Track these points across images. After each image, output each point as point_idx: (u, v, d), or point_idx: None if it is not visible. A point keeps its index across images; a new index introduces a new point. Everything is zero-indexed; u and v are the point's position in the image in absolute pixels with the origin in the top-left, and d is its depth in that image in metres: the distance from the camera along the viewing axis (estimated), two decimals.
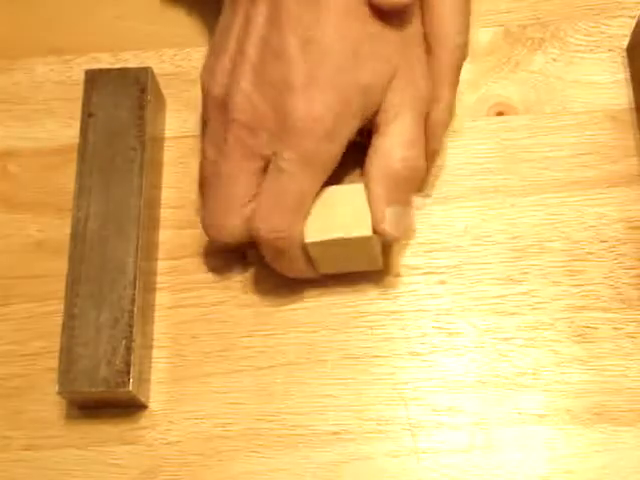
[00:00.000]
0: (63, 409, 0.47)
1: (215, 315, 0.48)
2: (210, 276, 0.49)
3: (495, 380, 0.46)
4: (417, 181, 0.46)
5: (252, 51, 0.44)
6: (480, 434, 0.45)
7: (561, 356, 0.46)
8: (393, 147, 0.45)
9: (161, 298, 0.49)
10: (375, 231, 0.44)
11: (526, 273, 0.48)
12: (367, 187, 0.44)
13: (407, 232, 0.47)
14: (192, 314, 0.48)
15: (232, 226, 0.45)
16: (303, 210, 0.44)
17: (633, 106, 0.51)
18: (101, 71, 0.50)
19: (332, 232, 0.44)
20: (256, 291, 0.49)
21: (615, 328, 0.47)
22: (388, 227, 0.44)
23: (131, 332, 0.45)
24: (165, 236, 0.50)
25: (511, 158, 0.51)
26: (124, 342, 0.45)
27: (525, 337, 0.47)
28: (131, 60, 0.54)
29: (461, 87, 0.52)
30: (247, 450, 0.45)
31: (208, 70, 0.46)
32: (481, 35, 0.53)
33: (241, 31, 0.45)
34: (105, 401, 0.46)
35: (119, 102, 0.49)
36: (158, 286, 0.49)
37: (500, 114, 0.52)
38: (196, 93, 0.48)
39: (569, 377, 0.46)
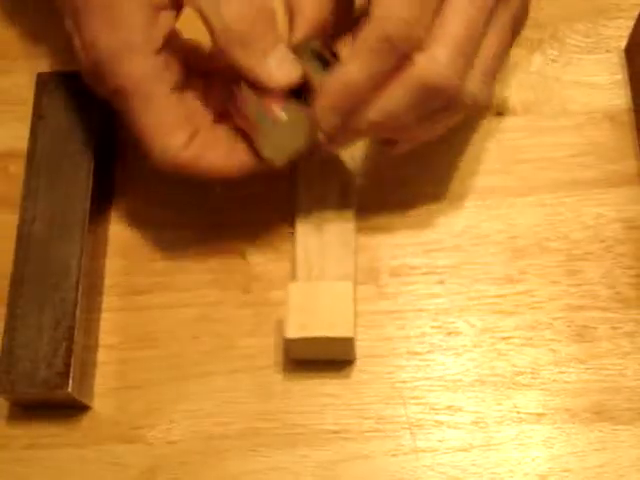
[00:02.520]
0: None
1: (215, 315, 0.48)
2: (210, 276, 0.49)
3: (494, 379, 0.46)
4: (270, 22, 0.42)
5: None
6: (479, 433, 0.45)
7: (560, 355, 0.47)
8: None
9: (160, 298, 0.49)
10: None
11: (525, 273, 0.48)
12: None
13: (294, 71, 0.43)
14: (192, 314, 0.48)
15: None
16: None
17: (631, 107, 0.51)
18: (52, 74, 0.51)
19: (314, 330, 0.44)
20: (256, 291, 0.49)
21: (613, 327, 0.47)
22: (280, 77, 0.42)
23: (72, 334, 0.45)
24: (164, 236, 0.50)
25: (510, 158, 0.51)
26: (65, 344, 0.45)
27: (524, 336, 0.47)
28: None
29: None
30: (247, 449, 0.46)
31: None
32: None
33: None
34: (46, 402, 0.46)
35: (69, 105, 0.50)
36: (158, 286, 0.49)
37: (499, 114, 0.52)
38: None
39: (568, 376, 0.46)
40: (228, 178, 0.44)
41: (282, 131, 0.43)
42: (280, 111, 0.43)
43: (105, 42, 0.42)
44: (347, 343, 0.45)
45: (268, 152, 0.43)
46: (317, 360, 0.47)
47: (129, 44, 0.41)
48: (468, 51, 0.41)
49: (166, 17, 0.43)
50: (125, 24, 0.41)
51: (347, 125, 0.42)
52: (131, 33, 0.41)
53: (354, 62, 0.41)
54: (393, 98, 0.41)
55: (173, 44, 0.43)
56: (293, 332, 0.44)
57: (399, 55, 0.40)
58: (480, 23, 0.41)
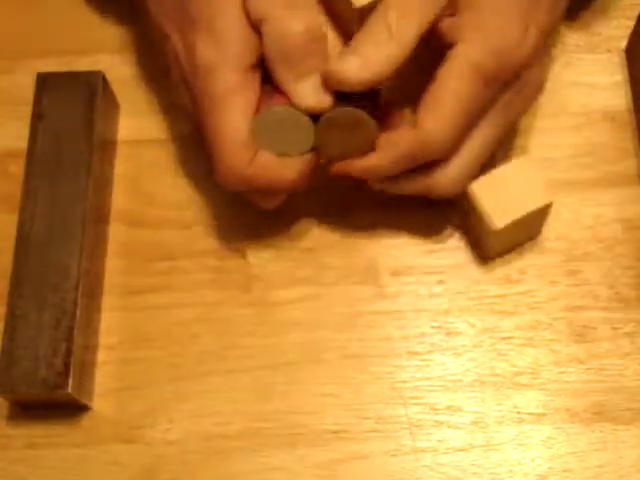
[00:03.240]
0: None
1: (215, 315, 0.48)
2: (210, 276, 0.49)
3: (494, 379, 0.46)
4: (318, 48, 0.43)
5: None
6: (479, 433, 0.45)
7: (560, 355, 0.47)
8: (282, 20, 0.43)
9: (160, 298, 0.49)
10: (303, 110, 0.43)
11: (524, 273, 0.48)
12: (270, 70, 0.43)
13: (325, 101, 0.44)
14: (192, 314, 0.48)
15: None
16: None
17: (631, 107, 0.51)
18: (52, 74, 0.51)
19: (517, 211, 0.44)
20: (256, 291, 0.49)
21: (613, 328, 0.47)
22: (308, 101, 0.43)
23: (72, 334, 0.45)
24: (165, 236, 0.50)
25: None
26: (64, 344, 0.45)
27: (523, 336, 0.47)
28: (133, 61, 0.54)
29: None
30: (246, 449, 0.46)
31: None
32: None
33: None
34: (46, 402, 0.46)
35: (69, 105, 0.50)
36: (158, 286, 0.49)
37: None
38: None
39: (568, 376, 0.46)
40: (287, 189, 0.45)
41: (276, 125, 0.44)
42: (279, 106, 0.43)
43: (202, 51, 0.43)
44: (546, 211, 0.46)
45: (260, 140, 0.44)
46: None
47: (223, 56, 0.43)
48: (477, 169, 0.45)
49: (260, 39, 0.44)
50: (223, 37, 0.43)
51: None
52: (227, 46, 0.43)
53: (381, 154, 0.44)
54: (400, 186, 0.46)
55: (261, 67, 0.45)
56: (499, 222, 0.44)
57: (421, 162, 0.44)
58: (493, 148, 0.46)
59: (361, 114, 0.43)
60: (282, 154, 0.44)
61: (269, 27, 0.43)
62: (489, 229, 0.44)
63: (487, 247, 0.47)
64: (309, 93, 0.43)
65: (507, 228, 0.45)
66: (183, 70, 0.45)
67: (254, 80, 0.44)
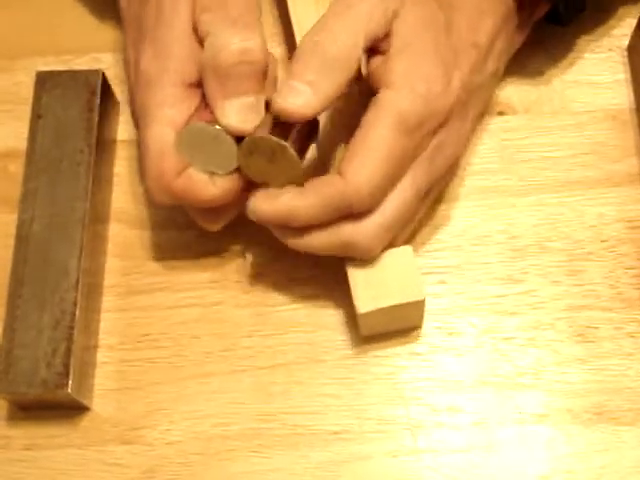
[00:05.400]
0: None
1: (215, 315, 0.48)
2: (210, 276, 0.49)
3: (495, 380, 0.46)
4: (251, 71, 0.43)
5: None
6: (480, 434, 0.45)
7: (561, 356, 0.46)
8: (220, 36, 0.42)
9: (160, 298, 0.49)
10: (224, 129, 0.42)
11: (526, 273, 0.48)
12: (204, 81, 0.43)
13: (248, 125, 0.42)
14: (192, 314, 0.48)
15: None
16: None
17: (633, 106, 0.51)
18: (52, 73, 0.51)
19: (385, 300, 0.44)
20: (256, 291, 0.49)
21: (615, 328, 0.47)
22: (230, 121, 0.42)
23: (72, 334, 0.45)
24: (165, 237, 0.50)
25: (511, 158, 0.51)
26: (64, 344, 0.45)
27: (525, 337, 0.47)
28: None
29: None
30: (247, 450, 0.45)
31: None
32: None
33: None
34: (46, 403, 0.46)
35: (69, 104, 0.50)
36: (158, 286, 0.49)
37: (500, 114, 0.52)
38: None
39: (569, 377, 0.46)
40: (213, 204, 0.44)
41: (199, 141, 0.43)
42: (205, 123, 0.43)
43: (146, 63, 0.44)
44: (418, 307, 0.45)
45: (184, 154, 0.43)
46: (387, 333, 0.46)
47: (164, 70, 0.43)
48: (397, 228, 0.44)
49: None
50: (166, 51, 0.43)
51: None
52: (169, 60, 0.43)
53: (301, 193, 0.42)
54: (316, 239, 0.43)
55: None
56: (365, 306, 0.43)
57: (345, 213, 0.42)
58: (414, 207, 0.44)
59: (283, 146, 0.41)
60: (209, 172, 0.43)
61: (209, 40, 0.42)
62: (356, 310, 0.44)
63: (358, 325, 0.46)
64: (233, 113, 0.42)
65: (373, 313, 0.44)
66: (130, 82, 0.45)
67: (193, 97, 0.43)
